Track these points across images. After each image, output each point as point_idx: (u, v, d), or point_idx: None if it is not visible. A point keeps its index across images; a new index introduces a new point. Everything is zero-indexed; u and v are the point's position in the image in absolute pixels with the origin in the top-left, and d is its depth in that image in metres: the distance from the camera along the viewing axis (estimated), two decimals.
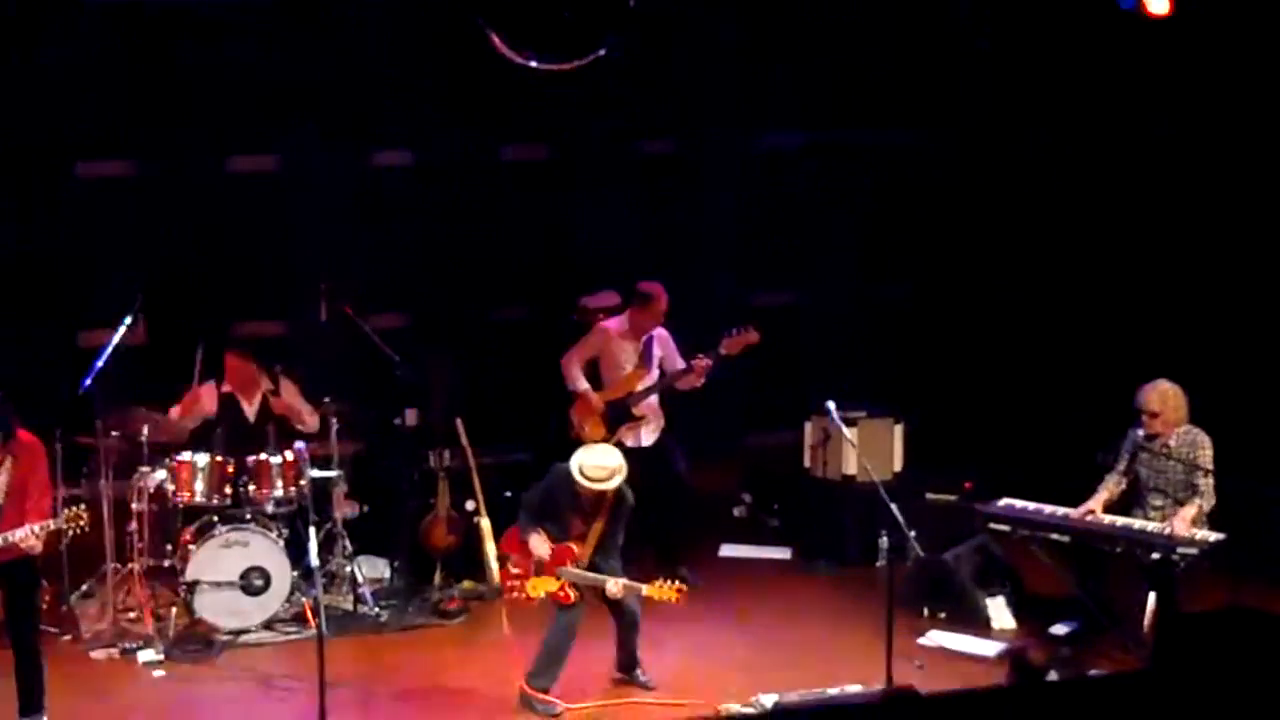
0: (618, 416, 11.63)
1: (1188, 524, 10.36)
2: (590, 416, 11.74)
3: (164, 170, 12.84)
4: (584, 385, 11.75)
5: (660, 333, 11.77)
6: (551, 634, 10.04)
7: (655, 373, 11.74)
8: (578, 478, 9.85)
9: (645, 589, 9.98)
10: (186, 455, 11.13)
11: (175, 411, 11.42)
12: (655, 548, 11.64)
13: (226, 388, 11.51)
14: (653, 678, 10.31)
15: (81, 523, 10.65)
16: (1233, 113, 12.72)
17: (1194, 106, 12.83)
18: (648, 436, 11.76)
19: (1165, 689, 6.57)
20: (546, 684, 9.98)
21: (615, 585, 9.91)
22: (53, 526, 10.62)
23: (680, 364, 11.66)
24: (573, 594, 9.98)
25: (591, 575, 9.98)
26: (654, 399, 11.77)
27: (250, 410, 11.53)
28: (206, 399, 11.51)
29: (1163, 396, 10.59)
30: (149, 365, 12.43)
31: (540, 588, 10.03)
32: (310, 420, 11.54)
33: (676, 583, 9.96)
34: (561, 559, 10.00)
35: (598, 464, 9.90)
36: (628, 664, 10.29)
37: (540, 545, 9.99)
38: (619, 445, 11.20)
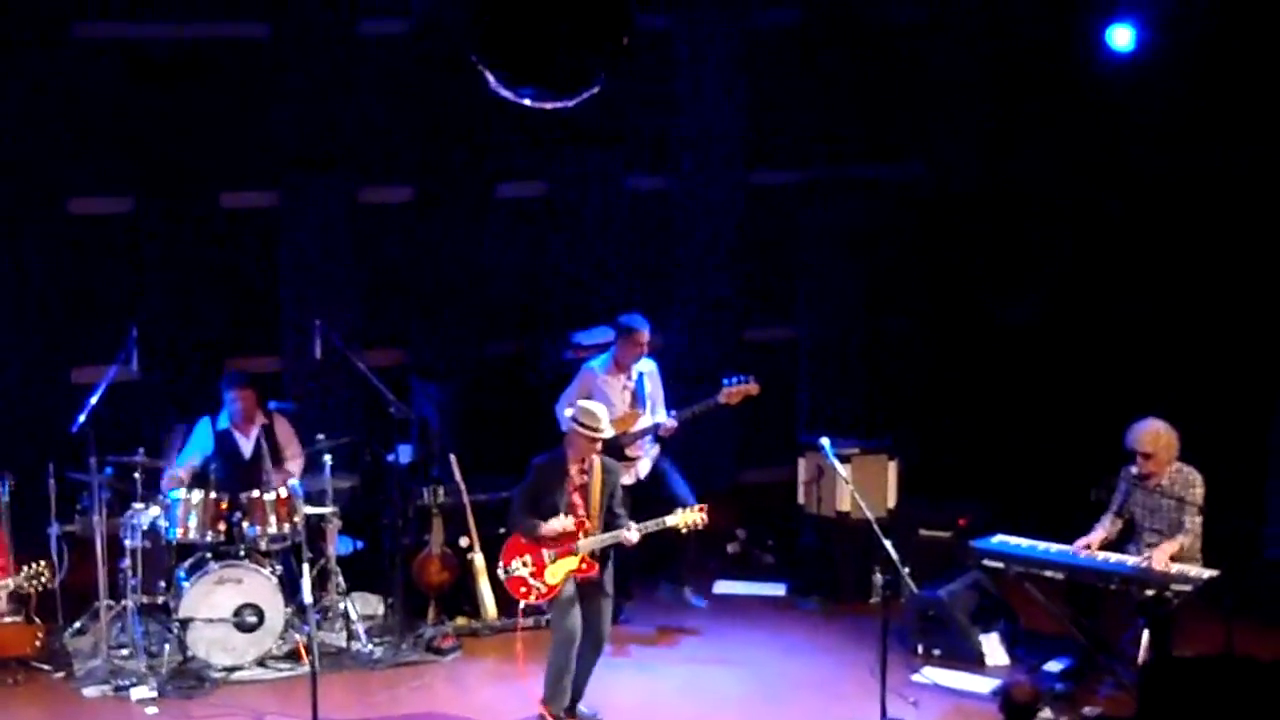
0: (611, 457, 11.57)
1: (1165, 559, 10.34)
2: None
3: (158, 207, 12.84)
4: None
5: (651, 370, 11.74)
6: (553, 650, 10.09)
7: (646, 413, 11.70)
8: (579, 429, 10.00)
9: (669, 520, 10.16)
10: (180, 492, 11.13)
11: (183, 474, 11.38)
12: (664, 572, 11.62)
13: (222, 425, 11.51)
14: (600, 708, 10.29)
15: (43, 579, 10.67)
16: (1224, 146, 12.76)
17: (1186, 141, 12.87)
18: (643, 470, 11.75)
19: None
20: (561, 704, 10.04)
21: (633, 530, 10.10)
22: (11, 586, 10.65)
23: (660, 406, 11.65)
24: (595, 565, 10.06)
25: (608, 535, 10.09)
26: (647, 438, 11.76)
27: (247, 447, 11.53)
28: (205, 439, 11.49)
29: (1155, 437, 10.58)
30: (143, 401, 12.46)
31: (560, 571, 10.06)
32: (295, 467, 11.54)
33: (699, 505, 10.12)
34: (573, 536, 10.06)
35: (591, 412, 10.10)
36: (575, 696, 10.24)
37: (557, 522, 10.03)
38: None
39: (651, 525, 10.22)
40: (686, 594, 11.91)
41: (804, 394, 14.47)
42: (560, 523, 10.05)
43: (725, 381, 11.49)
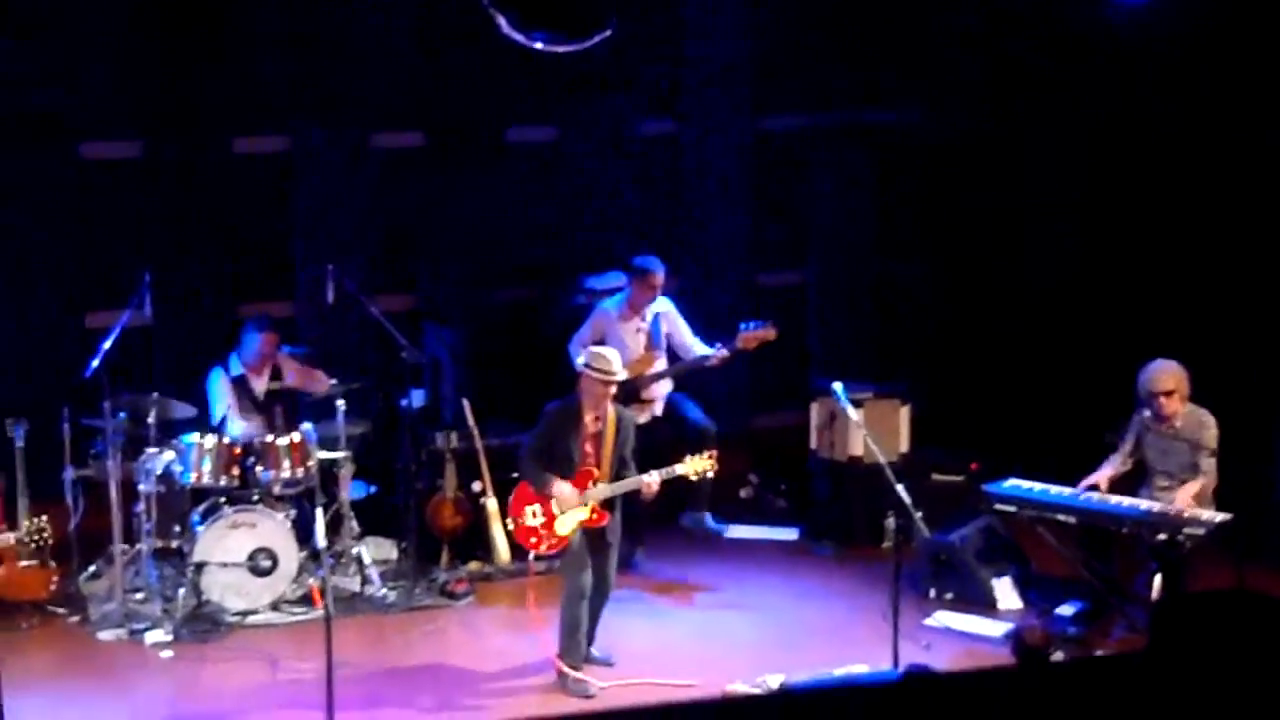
0: (625, 399, 11.57)
1: (1189, 501, 10.38)
2: None
3: (171, 152, 12.82)
4: None
5: (667, 311, 11.73)
6: (565, 604, 10.10)
7: (663, 355, 11.71)
8: (591, 373, 9.96)
9: (679, 469, 10.16)
10: (194, 436, 11.16)
11: (235, 425, 11.40)
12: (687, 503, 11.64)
13: (235, 370, 11.53)
14: (612, 652, 10.34)
15: (45, 534, 10.70)
16: (1224, 103, 12.71)
17: (1191, 92, 12.83)
18: (658, 409, 11.75)
19: (1163, 669, 6.59)
20: (576, 657, 10.04)
21: (650, 478, 10.05)
22: (11, 541, 10.67)
23: (689, 341, 11.63)
24: (605, 514, 10.06)
25: (620, 484, 10.08)
26: (667, 382, 11.74)
27: (260, 388, 11.55)
28: (224, 388, 11.51)
29: (1175, 375, 10.60)
30: (157, 346, 12.48)
31: (571, 521, 10.06)
32: (321, 385, 11.54)
33: (707, 453, 10.11)
34: (583, 484, 10.05)
35: (604, 356, 10.05)
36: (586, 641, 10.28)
37: (562, 488, 10.00)
38: None
39: (661, 474, 10.22)
40: (708, 520, 11.92)
41: (815, 339, 14.46)
42: (564, 488, 10.00)
43: (741, 327, 11.48)
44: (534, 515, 10.14)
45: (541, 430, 10.18)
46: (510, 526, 10.36)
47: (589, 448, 10.10)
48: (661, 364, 11.64)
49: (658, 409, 11.69)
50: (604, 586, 10.23)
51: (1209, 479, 10.53)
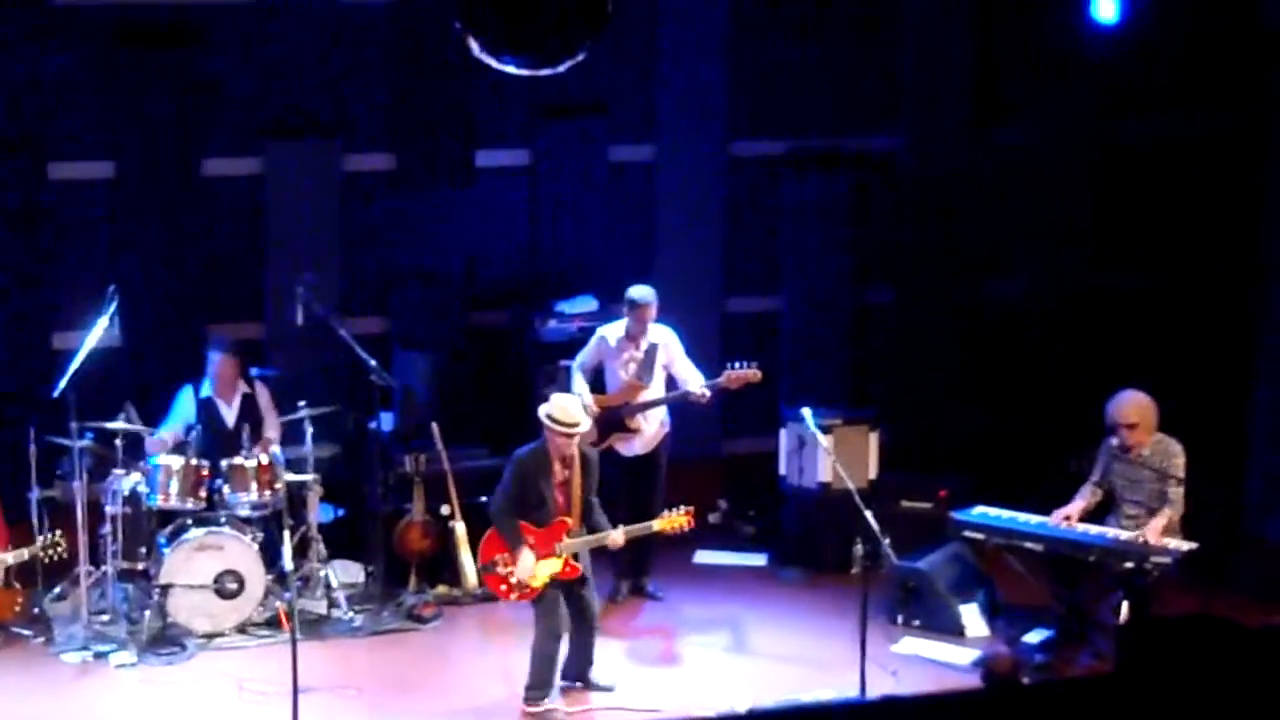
0: (610, 424, 11.54)
1: (1159, 533, 10.40)
2: None
3: (140, 173, 12.79)
4: (579, 388, 11.61)
5: (667, 341, 11.63)
6: (539, 641, 10.04)
7: (652, 385, 11.63)
8: (552, 425, 9.93)
9: (655, 524, 10.18)
10: (162, 459, 11.12)
11: (167, 437, 11.37)
12: (626, 556, 11.56)
13: (205, 393, 11.50)
14: (611, 679, 10.32)
15: (60, 549, 10.68)
16: (1202, 118, 12.79)
17: (1168, 111, 12.90)
18: (641, 447, 11.67)
19: (1129, 693, 6.60)
20: (545, 692, 9.99)
21: (619, 534, 10.08)
22: (26, 556, 10.62)
23: (687, 373, 11.55)
24: (577, 567, 10.02)
25: (591, 537, 10.07)
26: (660, 411, 11.70)
27: (230, 414, 11.53)
28: (187, 406, 11.49)
29: (1140, 408, 10.63)
30: (126, 366, 12.42)
31: (543, 573, 10.01)
32: (274, 435, 11.53)
33: (684, 508, 10.12)
34: (556, 535, 10.01)
35: (564, 408, 10.04)
36: (583, 667, 10.28)
37: (525, 557, 9.95)
38: (609, 452, 11.25)
39: (636, 529, 10.20)
40: (649, 587, 11.90)
41: (786, 365, 14.46)
42: (527, 558, 9.92)
43: (729, 365, 11.48)
44: (504, 564, 10.10)
45: (512, 478, 10.12)
46: (480, 571, 10.31)
47: (559, 496, 10.08)
48: (648, 394, 11.58)
49: (638, 448, 11.61)
50: (589, 620, 10.21)
51: (1176, 508, 10.56)
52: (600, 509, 10.23)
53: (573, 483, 10.07)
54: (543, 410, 10.12)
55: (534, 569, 9.94)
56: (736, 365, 11.45)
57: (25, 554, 10.77)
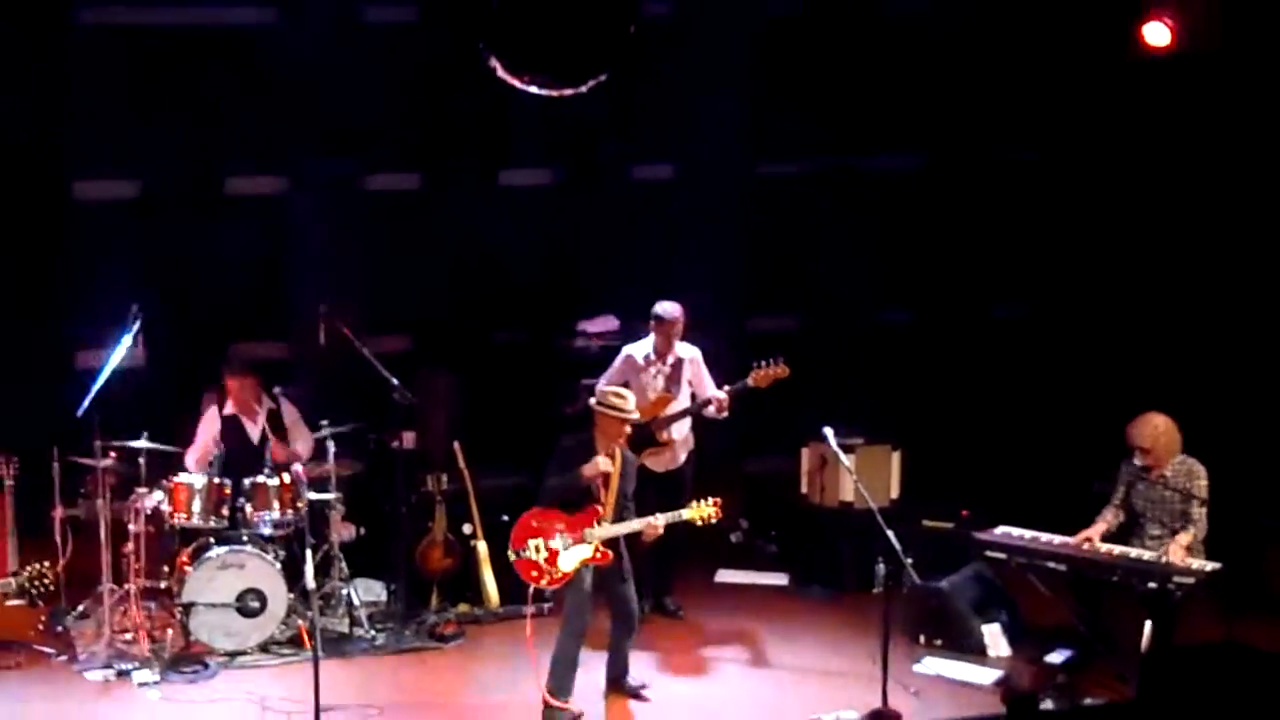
0: (641, 441, 11.52)
1: (1182, 553, 10.37)
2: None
3: (164, 191, 12.84)
4: None
5: (693, 356, 11.64)
6: (563, 639, 10.08)
7: (683, 397, 11.65)
8: (608, 411, 10.06)
9: (685, 513, 10.17)
10: (184, 477, 11.15)
11: (191, 460, 11.42)
12: (651, 573, 11.57)
13: (229, 410, 11.54)
14: (644, 681, 10.37)
15: (46, 581, 10.64)
16: (1228, 143, 12.77)
17: (1189, 136, 12.88)
18: (669, 461, 11.68)
19: None
20: (566, 693, 10.03)
21: (656, 519, 10.10)
22: (13, 586, 10.60)
23: (709, 389, 11.59)
24: (609, 553, 10.06)
25: (625, 525, 10.10)
26: (686, 424, 11.71)
27: (254, 432, 11.56)
28: (212, 426, 11.53)
29: (1154, 433, 10.60)
30: (149, 387, 12.45)
31: (574, 559, 10.05)
32: (304, 450, 11.56)
33: (712, 499, 10.15)
34: (587, 522, 10.05)
35: (619, 394, 10.19)
36: (620, 672, 10.31)
37: (596, 460, 10.01)
38: (641, 469, 11.25)
39: (668, 517, 10.22)
40: (670, 605, 11.90)
41: (808, 384, 14.44)
42: (602, 464, 10.01)
43: (755, 364, 11.47)
44: (536, 550, 10.10)
45: (562, 461, 10.16)
46: (512, 559, 10.28)
47: (600, 486, 10.12)
48: (680, 405, 11.59)
49: (671, 464, 11.63)
50: (629, 621, 10.27)
51: (1200, 529, 10.53)
52: (634, 511, 10.24)
53: (612, 476, 10.13)
54: (595, 399, 10.22)
55: (602, 465, 10.02)
56: (763, 364, 11.43)
57: (13, 584, 10.72)
